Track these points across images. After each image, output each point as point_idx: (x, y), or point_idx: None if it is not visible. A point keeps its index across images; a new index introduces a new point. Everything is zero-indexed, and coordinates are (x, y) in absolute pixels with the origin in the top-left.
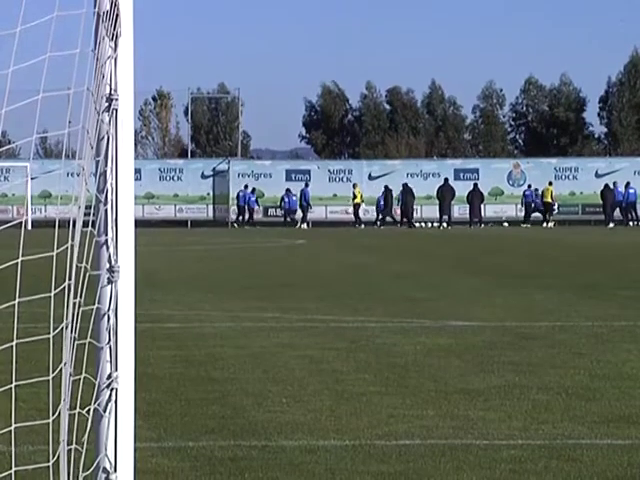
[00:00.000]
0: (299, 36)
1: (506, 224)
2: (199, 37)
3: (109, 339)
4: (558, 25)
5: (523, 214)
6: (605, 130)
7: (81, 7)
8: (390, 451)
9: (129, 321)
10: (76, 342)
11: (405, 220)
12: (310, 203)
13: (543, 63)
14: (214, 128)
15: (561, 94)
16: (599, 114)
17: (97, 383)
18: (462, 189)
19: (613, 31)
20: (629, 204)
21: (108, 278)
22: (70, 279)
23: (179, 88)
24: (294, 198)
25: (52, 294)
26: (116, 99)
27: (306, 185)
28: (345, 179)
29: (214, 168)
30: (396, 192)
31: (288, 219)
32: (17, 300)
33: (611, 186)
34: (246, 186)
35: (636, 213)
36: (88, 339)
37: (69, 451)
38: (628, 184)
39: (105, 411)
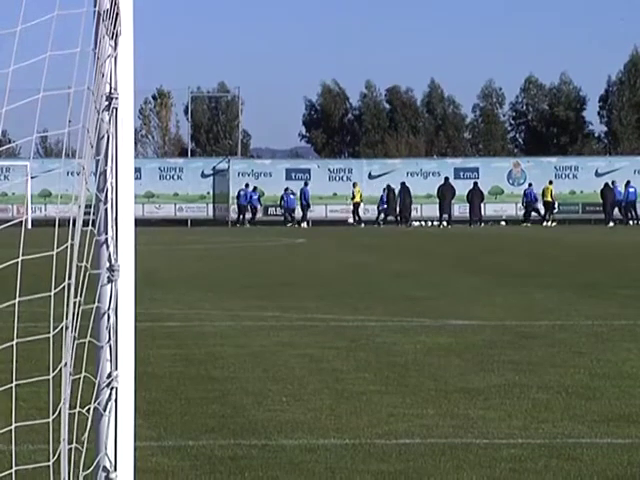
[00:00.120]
0: (299, 35)
1: (503, 223)
2: (199, 36)
3: (109, 338)
4: (558, 24)
5: (523, 213)
6: (605, 129)
7: (81, 6)
8: (390, 450)
9: (129, 320)
10: (76, 341)
11: (402, 219)
12: (310, 202)
13: (543, 62)
14: (214, 127)
15: (561, 93)
16: (599, 113)
17: (97, 382)
18: (462, 188)
19: (613, 30)
20: (629, 203)
21: (108, 277)
22: (70, 278)
23: (179, 87)
24: (292, 197)
25: (52, 293)
26: (116, 98)
27: (305, 184)
28: (345, 178)
29: (214, 167)
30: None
31: (288, 218)
32: (17, 299)
33: (612, 186)
34: (247, 185)
35: (636, 212)
36: (88, 338)
37: (69, 450)
38: (628, 183)
39: (105, 410)
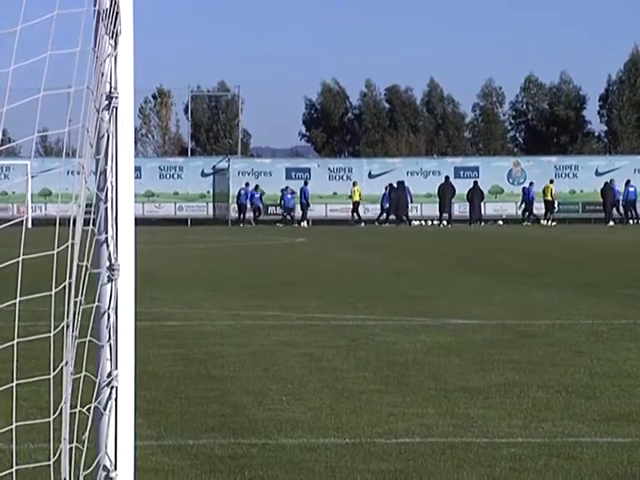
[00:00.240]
0: (299, 34)
1: (500, 222)
2: (199, 35)
3: (109, 337)
4: (558, 23)
5: (522, 212)
6: (605, 128)
7: (81, 5)
8: (390, 449)
9: (129, 319)
10: (76, 340)
11: (397, 218)
12: (310, 201)
13: (543, 61)
14: (214, 126)
15: (561, 92)
16: (599, 112)
17: (97, 381)
18: (462, 187)
19: (613, 29)
20: (629, 202)
21: (108, 276)
22: (70, 277)
23: (179, 86)
24: (289, 196)
25: (53, 292)
26: (116, 97)
27: (305, 183)
28: (345, 177)
29: (214, 166)
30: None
31: (286, 217)
32: (18, 299)
33: (612, 185)
34: (247, 184)
35: (636, 211)
36: (88, 337)
37: (70, 449)
38: (628, 182)
39: (105, 409)
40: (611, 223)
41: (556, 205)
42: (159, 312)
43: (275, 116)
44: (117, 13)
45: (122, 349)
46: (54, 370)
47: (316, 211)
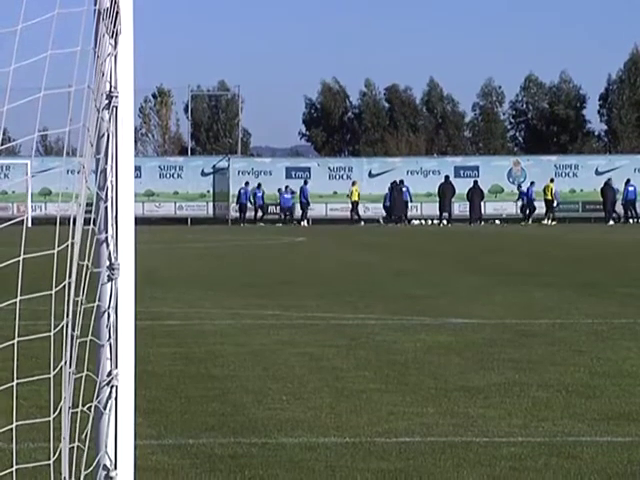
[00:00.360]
0: (299, 34)
1: (497, 222)
2: (199, 34)
3: (109, 337)
4: (558, 23)
5: (522, 211)
6: (605, 127)
7: (82, 5)
8: (390, 448)
9: (129, 318)
10: (77, 340)
11: (394, 217)
12: (309, 200)
13: (543, 60)
14: (214, 125)
15: (561, 91)
16: (599, 111)
17: (97, 380)
18: (462, 186)
19: (613, 28)
20: (628, 202)
21: (108, 276)
22: (70, 277)
23: (179, 85)
24: (286, 196)
25: (53, 292)
26: (116, 96)
27: (305, 183)
28: (345, 176)
29: (214, 165)
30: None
31: (283, 216)
32: (18, 298)
33: (611, 184)
34: (247, 183)
35: (635, 211)
36: (89, 337)
37: (70, 448)
38: (628, 181)
39: (105, 408)
40: (611, 222)
41: (555, 204)
42: (159, 311)
43: (275, 115)
44: (117, 12)
45: (122, 348)
46: (54, 369)
47: (316, 210)
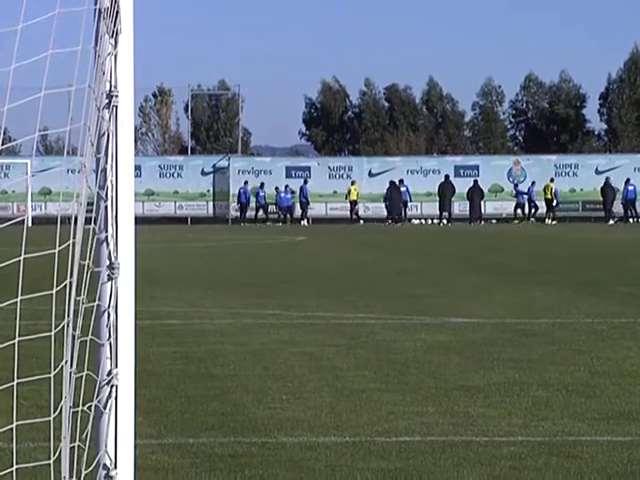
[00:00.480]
0: (299, 34)
1: (494, 221)
2: (199, 34)
3: (109, 336)
4: (558, 22)
5: (523, 211)
6: (605, 127)
7: (82, 4)
8: (390, 448)
9: (129, 318)
10: (77, 339)
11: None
12: (309, 199)
13: (543, 60)
14: (214, 125)
15: (561, 91)
16: (599, 111)
17: (98, 380)
18: (462, 186)
19: (613, 28)
20: (628, 201)
21: (108, 275)
22: (72, 276)
23: (179, 85)
24: (282, 195)
25: (54, 291)
26: (116, 96)
27: (305, 182)
28: (345, 176)
29: (214, 165)
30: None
31: (282, 216)
32: (19, 297)
33: (611, 183)
34: (246, 182)
35: (635, 210)
36: (89, 336)
37: (70, 448)
38: (628, 181)
39: (105, 408)
40: (611, 222)
41: (554, 203)
42: (159, 311)
43: (275, 115)
44: (117, 12)
45: (122, 347)
46: (55, 369)
47: (316, 210)
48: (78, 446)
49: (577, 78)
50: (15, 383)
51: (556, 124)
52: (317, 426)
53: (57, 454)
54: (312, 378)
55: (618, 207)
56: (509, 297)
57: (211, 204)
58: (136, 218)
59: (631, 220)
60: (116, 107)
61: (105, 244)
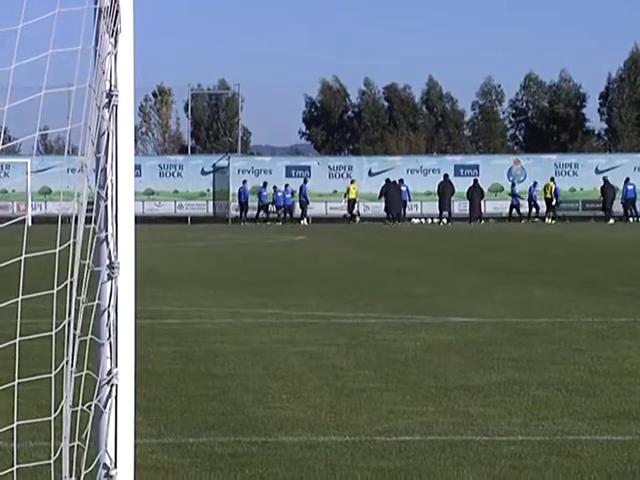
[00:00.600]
0: (299, 34)
1: (492, 220)
2: (199, 33)
3: (109, 335)
4: (558, 22)
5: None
6: (605, 126)
7: (82, 4)
8: (390, 447)
9: (129, 317)
10: (77, 339)
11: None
12: (309, 199)
13: (543, 59)
14: (214, 124)
15: (561, 90)
16: (599, 110)
17: (98, 379)
18: (462, 185)
19: (613, 27)
20: (628, 200)
21: (108, 274)
22: (72, 276)
23: (179, 84)
24: (279, 194)
25: (55, 291)
26: (116, 95)
27: (305, 181)
28: (345, 175)
29: (214, 164)
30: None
31: (281, 215)
32: (20, 297)
33: (611, 182)
34: (244, 181)
35: (635, 209)
36: (89, 335)
37: (70, 448)
38: (627, 180)
39: (105, 407)
40: (611, 221)
41: (554, 202)
42: (159, 310)
43: (275, 114)
44: (117, 11)
45: (122, 347)
46: (55, 368)
47: (316, 209)
48: (78, 445)
49: (577, 77)
50: (16, 383)
51: (556, 123)
52: (317, 425)
53: (57, 453)
54: (312, 377)
55: (618, 206)
56: (509, 296)
57: (211, 203)
58: (136, 217)
59: (631, 219)
60: (116, 106)
61: (105, 243)
